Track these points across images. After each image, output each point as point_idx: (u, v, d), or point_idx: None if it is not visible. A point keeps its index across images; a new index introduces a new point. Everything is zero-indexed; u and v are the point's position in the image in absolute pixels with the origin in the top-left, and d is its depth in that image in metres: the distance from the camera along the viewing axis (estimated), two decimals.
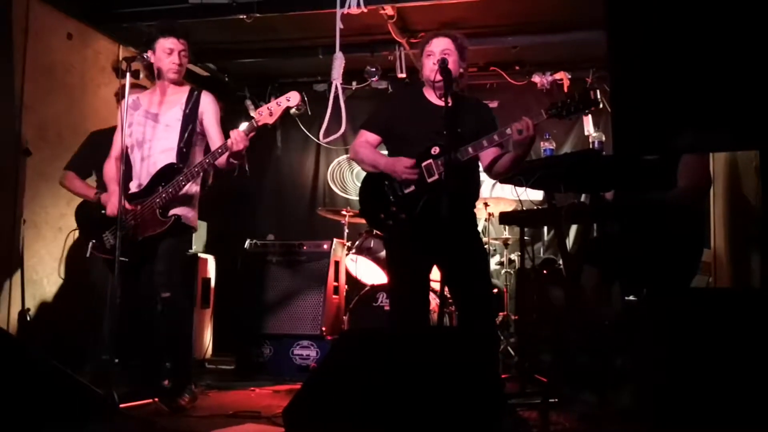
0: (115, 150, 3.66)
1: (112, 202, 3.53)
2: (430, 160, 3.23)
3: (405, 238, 3.31)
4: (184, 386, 3.52)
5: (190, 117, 3.58)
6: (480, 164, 3.44)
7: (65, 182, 4.35)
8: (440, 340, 2.77)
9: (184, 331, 3.68)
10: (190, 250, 5.25)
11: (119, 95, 4.32)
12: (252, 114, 6.31)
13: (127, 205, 3.43)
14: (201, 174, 3.54)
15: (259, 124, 3.33)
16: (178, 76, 3.63)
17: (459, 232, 3.18)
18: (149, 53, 3.57)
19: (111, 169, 3.67)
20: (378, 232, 5.12)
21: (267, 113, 3.32)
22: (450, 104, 3.07)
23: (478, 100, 3.61)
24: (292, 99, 3.32)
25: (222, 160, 3.43)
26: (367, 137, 3.48)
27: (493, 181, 5.07)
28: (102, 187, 4.05)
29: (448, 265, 3.30)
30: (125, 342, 3.46)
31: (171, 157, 3.53)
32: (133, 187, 3.55)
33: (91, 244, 3.80)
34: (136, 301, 3.52)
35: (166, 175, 3.48)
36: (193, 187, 3.59)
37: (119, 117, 3.59)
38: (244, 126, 3.37)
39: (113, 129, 4.33)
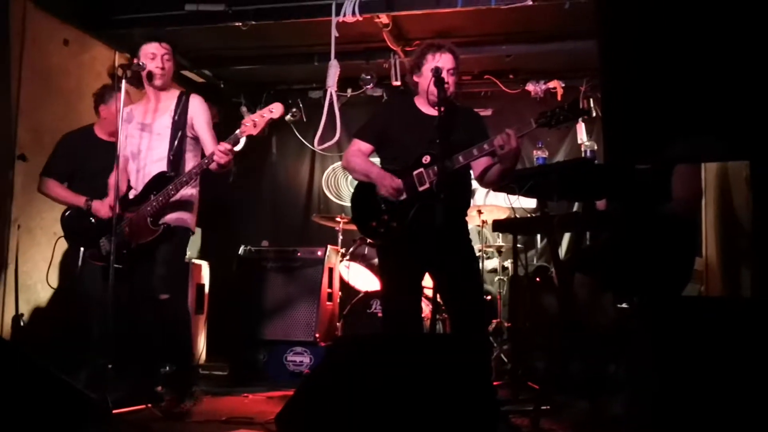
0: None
1: (105, 208, 3.59)
2: (421, 169, 3.26)
3: (397, 246, 3.33)
4: (186, 391, 3.53)
5: (179, 123, 3.59)
6: (472, 173, 3.47)
7: (45, 189, 4.21)
8: (433, 347, 2.79)
9: (184, 335, 3.68)
10: (187, 254, 5.26)
11: (98, 96, 4.32)
12: None
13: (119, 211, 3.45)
14: (191, 182, 3.52)
15: (244, 134, 3.35)
16: (162, 81, 3.63)
17: (450, 241, 3.20)
18: (134, 61, 3.59)
19: (113, 178, 3.68)
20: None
21: (251, 124, 3.34)
22: (443, 113, 3.10)
23: (469, 108, 3.64)
24: (275, 110, 3.34)
25: (213, 166, 3.46)
26: (360, 146, 3.51)
27: (487, 189, 5.10)
28: (81, 191, 4.06)
29: (440, 274, 3.32)
30: (119, 347, 3.47)
31: (164, 167, 3.55)
32: (132, 196, 3.58)
33: (82, 251, 3.80)
34: (130, 307, 3.53)
35: (157, 183, 3.50)
36: (188, 191, 3.59)
37: (116, 125, 3.61)
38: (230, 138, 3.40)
39: (86, 128, 4.33)
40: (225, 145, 3.33)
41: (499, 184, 3.39)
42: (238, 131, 3.34)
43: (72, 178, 4.22)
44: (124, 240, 3.47)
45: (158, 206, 3.45)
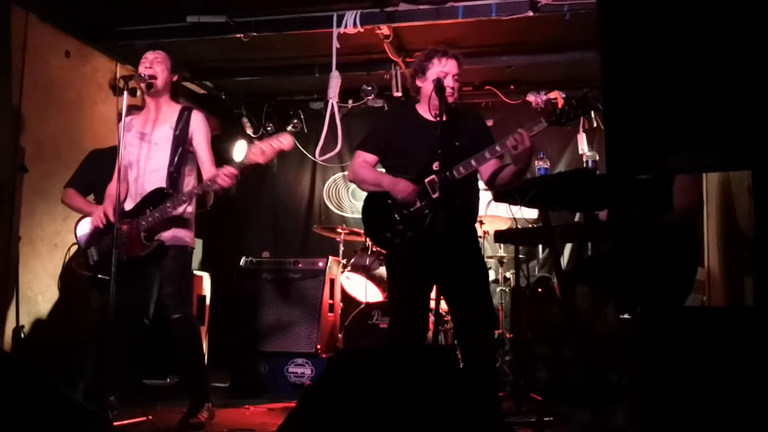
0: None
1: (96, 214, 3.59)
2: (433, 176, 3.20)
3: (413, 256, 3.26)
4: (203, 403, 3.54)
5: (181, 138, 3.58)
6: (479, 178, 3.45)
7: (66, 199, 4.34)
8: (436, 358, 2.77)
9: (197, 349, 3.68)
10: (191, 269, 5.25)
11: (119, 115, 4.35)
12: (248, 132, 6.28)
13: (112, 219, 3.44)
14: (189, 201, 3.52)
15: (251, 162, 3.34)
16: (155, 86, 3.58)
17: (464, 249, 3.18)
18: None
19: (112, 187, 3.68)
20: (375, 249, 5.13)
21: (260, 152, 3.32)
22: (445, 120, 3.08)
23: (471, 110, 3.63)
24: (286, 142, 3.33)
25: (215, 187, 3.45)
26: (365, 157, 3.47)
27: (488, 200, 5.10)
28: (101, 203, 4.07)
29: (449, 282, 3.27)
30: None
31: (160, 177, 3.53)
32: (128, 206, 3.55)
33: (75, 260, 3.78)
34: (117, 320, 3.44)
35: (154, 198, 3.48)
36: (186, 208, 3.57)
37: (118, 136, 3.60)
38: (236, 161, 3.40)
39: (112, 148, 4.35)
40: (230, 170, 3.35)
41: (512, 185, 3.33)
42: (245, 158, 3.34)
43: (94, 191, 4.29)
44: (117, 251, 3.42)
45: (154, 222, 3.43)
